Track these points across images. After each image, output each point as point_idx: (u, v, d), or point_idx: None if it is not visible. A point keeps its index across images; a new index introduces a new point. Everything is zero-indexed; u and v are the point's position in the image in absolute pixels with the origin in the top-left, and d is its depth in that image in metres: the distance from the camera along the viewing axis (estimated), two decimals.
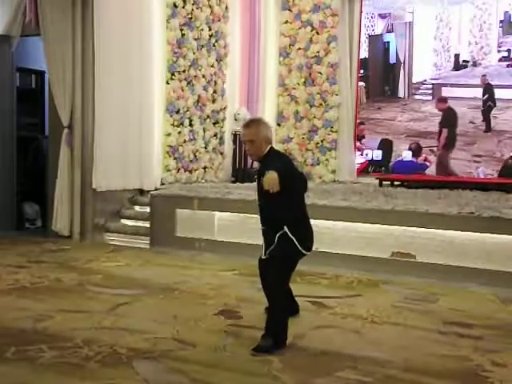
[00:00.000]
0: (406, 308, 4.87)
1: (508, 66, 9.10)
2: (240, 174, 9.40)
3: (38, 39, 7.68)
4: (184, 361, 3.57)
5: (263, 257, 4.08)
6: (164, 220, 7.32)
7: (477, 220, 5.76)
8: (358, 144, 10.00)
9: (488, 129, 9.11)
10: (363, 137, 10.09)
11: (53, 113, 7.78)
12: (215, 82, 9.24)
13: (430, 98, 9.73)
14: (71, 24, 7.56)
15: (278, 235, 3.95)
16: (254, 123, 4.15)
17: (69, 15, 7.54)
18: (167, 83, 8.45)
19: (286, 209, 3.96)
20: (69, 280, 5.61)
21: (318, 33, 9.81)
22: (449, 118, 9.32)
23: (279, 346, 3.76)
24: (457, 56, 9.57)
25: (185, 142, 8.73)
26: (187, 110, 8.73)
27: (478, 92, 9.23)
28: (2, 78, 8.06)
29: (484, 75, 9.19)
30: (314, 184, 9.18)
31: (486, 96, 9.12)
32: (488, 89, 9.13)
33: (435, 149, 9.44)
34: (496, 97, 9.09)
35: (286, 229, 3.94)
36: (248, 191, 6.92)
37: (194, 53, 8.77)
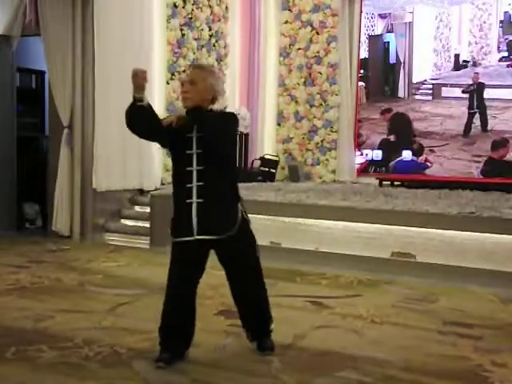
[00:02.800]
0: (405, 308, 4.87)
1: (508, 66, 9.09)
2: (240, 174, 9.40)
3: (38, 39, 7.68)
4: (184, 361, 3.56)
5: (212, 237, 3.45)
6: (164, 220, 7.27)
7: (477, 220, 5.76)
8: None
9: (467, 133, 9.09)
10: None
11: (53, 113, 7.78)
12: None
13: (430, 98, 9.72)
14: (71, 24, 7.56)
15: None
16: (204, 66, 3.65)
17: (69, 15, 7.54)
18: (167, 83, 8.45)
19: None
20: (69, 280, 5.61)
21: (317, 33, 9.82)
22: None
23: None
24: (457, 56, 9.57)
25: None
26: None
27: None
28: (2, 77, 8.06)
29: (476, 73, 9.17)
30: (314, 184, 9.19)
31: (475, 101, 9.09)
32: (478, 89, 9.09)
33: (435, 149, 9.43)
34: (496, 97, 9.07)
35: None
36: (248, 191, 6.91)
37: (194, 53, 8.78)
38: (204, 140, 3.39)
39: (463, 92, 9.18)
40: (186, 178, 3.41)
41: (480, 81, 9.11)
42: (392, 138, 9.55)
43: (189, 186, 3.41)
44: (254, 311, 3.73)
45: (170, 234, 3.63)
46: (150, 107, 3.39)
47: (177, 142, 3.48)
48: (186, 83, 3.41)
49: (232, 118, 3.53)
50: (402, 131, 9.51)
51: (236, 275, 3.66)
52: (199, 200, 3.40)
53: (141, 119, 3.38)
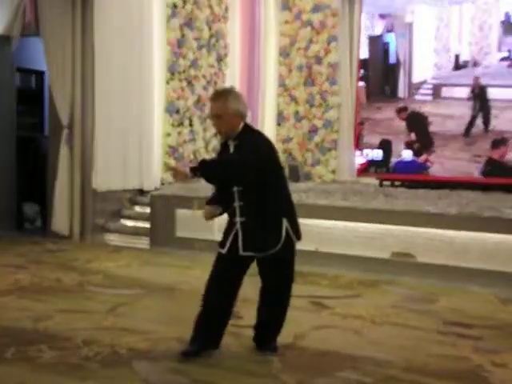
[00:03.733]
0: (405, 308, 4.87)
1: (508, 66, 9.08)
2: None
3: (38, 39, 7.68)
4: (184, 361, 3.56)
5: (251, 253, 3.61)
6: (164, 220, 7.32)
7: (477, 220, 5.76)
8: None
9: (467, 133, 9.08)
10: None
11: (53, 113, 7.78)
12: (215, 82, 9.23)
13: (430, 98, 9.71)
14: (71, 24, 7.57)
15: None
16: (222, 95, 3.58)
17: (69, 15, 7.54)
18: (167, 83, 8.45)
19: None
20: (69, 280, 5.61)
21: (318, 33, 9.81)
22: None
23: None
24: (457, 56, 9.56)
25: (185, 142, 8.74)
26: (187, 110, 8.73)
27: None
28: (2, 78, 8.06)
29: (477, 77, 9.16)
30: (314, 184, 9.19)
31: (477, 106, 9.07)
32: (481, 93, 9.07)
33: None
34: (496, 97, 9.06)
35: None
36: None
37: (194, 53, 8.78)
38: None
39: (469, 99, 9.14)
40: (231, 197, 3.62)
41: (482, 84, 9.09)
42: (412, 136, 9.49)
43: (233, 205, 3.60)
44: (274, 321, 3.79)
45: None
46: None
47: None
48: (214, 118, 3.56)
49: (251, 150, 3.49)
50: (419, 130, 9.44)
51: (269, 289, 3.74)
52: (242, 219, 3.57)
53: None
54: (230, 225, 3.64)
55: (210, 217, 3.78)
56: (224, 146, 3.72)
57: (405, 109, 9.58)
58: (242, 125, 3.56)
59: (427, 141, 9.34)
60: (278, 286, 3.72)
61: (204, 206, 3.81)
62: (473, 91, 9.12)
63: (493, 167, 8.80)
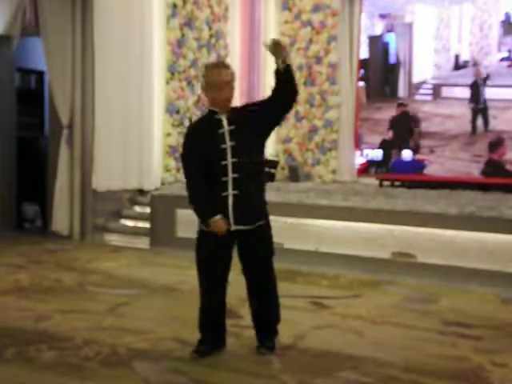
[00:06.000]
0: (406, 308, 4.87)
1: (508, 66, 9.08)
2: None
3: (38, 39, 7.68)
4: (184, 361, 3.57)
5: (243, 227, 3.58)
6: (164, 220, 7.32)
7: (477, 220, 5.76)
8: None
9: (474, 132, 9.08)
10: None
11: (53, 113, 7.78)
12: None
13: (430, 98, 9.72)
14: (71, 24, 7.56)
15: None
16: (225, 64, 3.71)
17: (69, 15, 7.54)
18: (167, 83, 8.45)
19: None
20: (69, 280, 5.61)
21: (317, 33, 9.81)
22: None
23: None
24: (457, 56, 9.56)
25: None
26: (187, 110, 8.73)
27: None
28: (2, 78, 8.06)
29: (478, 68, 9.13)
30: (314, 184, 9.19)
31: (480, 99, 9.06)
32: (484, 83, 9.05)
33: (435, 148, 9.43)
34: (496, 97, 9.07)
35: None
36: None
37: (194, 53, 8.77)
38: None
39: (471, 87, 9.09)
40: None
41: (484, 75, 9.07)
42: (390, 134, 9.53)
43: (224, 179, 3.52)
44: (266, 305, 3.78)
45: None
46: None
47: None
48: (223, 85, 3.51)
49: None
50: (400, 129, 9.49)
51: (253, 268, 3.72)
52: (234, 192, 3.52)
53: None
54: (219, 201, 3.53)
55: (227, 228, 3.56)
56: (210, 121, 3.61)
57: (402, 105, 9.58)
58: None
59: (404, 141, 9.37)
60: (262, 262, 3.70)
61: (214, 220, 3.55)
62: (474, 84, 9.10)
63: (493, 167, 8.80)
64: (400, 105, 9.55)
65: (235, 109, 3.67)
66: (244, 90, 9.96)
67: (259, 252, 3.70)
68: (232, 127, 3.55)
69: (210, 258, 3.64)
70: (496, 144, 8.82)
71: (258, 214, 3.61)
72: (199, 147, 3.56)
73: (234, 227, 3.55)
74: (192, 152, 3.60)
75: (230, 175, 3.49)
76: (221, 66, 3.66)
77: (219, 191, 3.52)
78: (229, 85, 3.54)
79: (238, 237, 3.62)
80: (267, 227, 3.69)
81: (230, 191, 3.51)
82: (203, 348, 3.67)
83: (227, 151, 3.51)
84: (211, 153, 3.53)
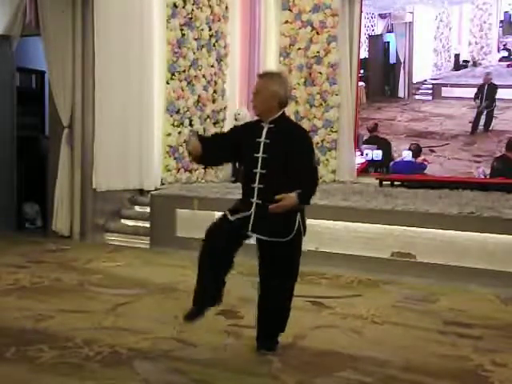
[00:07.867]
0: (406, 308, 4.87)
1: (508, 66, 9.09)
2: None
3: (38, 39, 7.68)
4: (184, 361, 3.57)
5: (256, 235, 3.64)
6: (164, 220, 7.32)
7: (477, 220, 5.76)
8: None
9: (474, 131, 9.08)
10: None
11: (53, 113, 7.78)
12: (215, 82, 9.23)
13: (430, 98, 9.73)
14: (71, 24, 7.57)
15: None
16: (268, 74, 3.73)
17: (69, 15, 7.54)
18: (167, 83, 8.45)
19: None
20: (69, 280, 5.61)
21: (318, 33, 9.80)
22: None
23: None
24: (457, 56, 9.57)
25: (185, 142, 8.73)
26: (187, 110, 8.73)
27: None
28: (2, 77, 8.06)
29: (488, 73, 9.13)
30: None
31: (485, 100, 9.06)
32: (489, 89, 9.06)
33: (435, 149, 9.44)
34: (496, 97, 9.07)
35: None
36: None
37: (194, 53, 8.77)
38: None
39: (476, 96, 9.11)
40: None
41: (492, 82, 9.08)
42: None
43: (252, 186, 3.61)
44: (273, 316, 3.74)
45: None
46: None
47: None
48: (253, 93, 3.66)
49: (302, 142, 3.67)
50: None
51: (271, 273, 3.68)
52: (258, 201, 3.58)
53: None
54: (245, 204, 3.63)
55: (194, 151, 3.64)
56: (254, 126, 3.70)
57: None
58: (280, 112, 3.62)
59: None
60: (276, 282, 3.65)
61: (193, 138, 3.67)
62: (482, 87, 9.10)
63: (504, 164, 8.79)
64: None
65: (282, 121, 3.66)
66: (244, 90, 9.96)
67: (275, 270, 3.65)
68: (268, 140, 3.60)
69: (216, 228, 3.68)
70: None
71: (276, 229, 3.57)
72: (237, 136, 3.76)
73: (249, 232, 3.61)
74: (232, 130, 3.96)
75: (257, 184, 3.58)
76: (260, 75, 3.74)
77: (247, 197, 3.64)
78: (258, 94, 3.61)
79: (258, 242, 3.66)
80: (290, 248, 3.62)
81: (255, 199, 3.58)
82: (194, 310, 3.64)
83: (258, 160, 3.59)
84: (246, 148, 3.66)
